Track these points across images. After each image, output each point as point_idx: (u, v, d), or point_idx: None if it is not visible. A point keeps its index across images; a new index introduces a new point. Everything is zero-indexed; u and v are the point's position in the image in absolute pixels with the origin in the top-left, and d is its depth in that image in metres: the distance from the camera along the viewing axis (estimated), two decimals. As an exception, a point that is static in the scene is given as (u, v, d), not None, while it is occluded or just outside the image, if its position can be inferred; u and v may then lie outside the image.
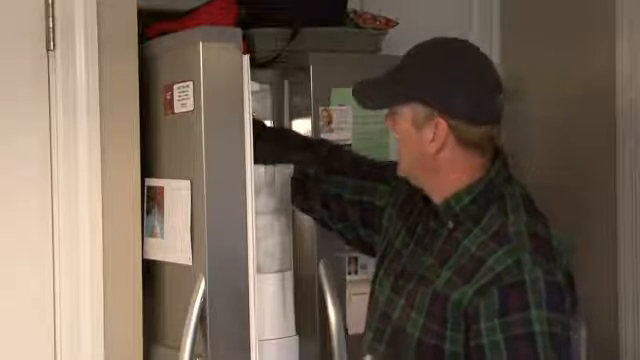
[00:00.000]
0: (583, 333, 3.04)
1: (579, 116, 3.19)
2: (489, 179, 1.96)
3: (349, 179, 2.25)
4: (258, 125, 2.32)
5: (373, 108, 2.08)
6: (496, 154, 1.98)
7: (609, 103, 3.16)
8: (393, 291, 2.01)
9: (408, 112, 1.94)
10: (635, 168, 3.11)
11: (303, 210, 2.37)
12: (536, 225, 1.91)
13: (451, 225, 1.95)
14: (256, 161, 2.22)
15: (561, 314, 1.85)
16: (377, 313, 2.06)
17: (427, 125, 1.92)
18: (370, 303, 2.12)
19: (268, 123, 2.46)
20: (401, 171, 2.02)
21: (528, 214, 1.93)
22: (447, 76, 1.92)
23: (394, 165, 2.05)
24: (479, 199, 1.94)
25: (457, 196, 1.95)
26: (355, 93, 2.03)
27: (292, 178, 2.34)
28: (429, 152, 1.93)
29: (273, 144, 2.36)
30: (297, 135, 2.43)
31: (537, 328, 1.81)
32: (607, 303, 3.13)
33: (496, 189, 1.95)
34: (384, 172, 2.20)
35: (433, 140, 1.92)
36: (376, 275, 2.12)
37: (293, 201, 2.36)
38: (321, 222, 2.34)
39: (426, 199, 2.03)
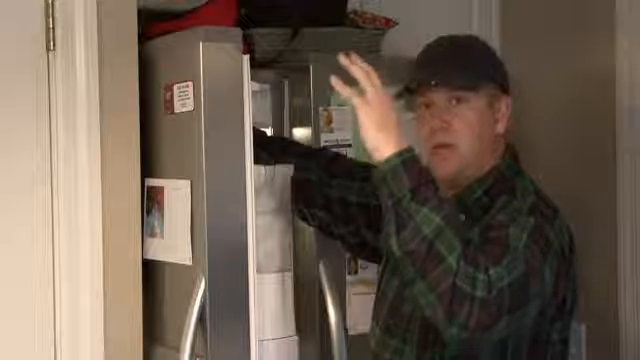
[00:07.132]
0: (583, 333, 3.04)
1: (579, 115, 3.19)
2: (499, 172, 2.00)
3: (354, 182, 2.25)
4: (259, 134, 2.32)
5: (457, 86, 1.98)
6: (505, 148, 2.03)
7: (609, 102, 3.17)
8: (402, 286, 2.00)
9: (483, 94, 1.98)
10: (635, 167, 3.12)
11: (304, 219, 2.36)
12: (543, 207, 1.94)
13: (462, 217, 1.97)
14: (256, 161, 2.22)
15: (539, 250, 1.83)
16: (385, 308, 2.06)
17: (496, 105, 2.00)
18: (377, 299, 2.12)
19: (268, 131, 2.46)
20: (458, 162, 1.98)
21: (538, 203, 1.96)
22: (495, 57, 2.07)
23: None
24: (491, 191, 1.98)
25: (469, 190, 1.99)
26: (426, 73, 1.99)
27: (293, 184, 2.34)
28: (499, 132, 2.01)
29: (274, 152, 2.36)
30: (299, 143, 2.43)
31: (512, 242, 1.81)
32: (607, 303, 3.14)
33: (508, 181, 1.99)
34: None
35: (500, 120, 2.01)
36: (383, 271, 2.12)
37: (293, 209, 2.35)
38: (322, 228, 2.33)
39: None
